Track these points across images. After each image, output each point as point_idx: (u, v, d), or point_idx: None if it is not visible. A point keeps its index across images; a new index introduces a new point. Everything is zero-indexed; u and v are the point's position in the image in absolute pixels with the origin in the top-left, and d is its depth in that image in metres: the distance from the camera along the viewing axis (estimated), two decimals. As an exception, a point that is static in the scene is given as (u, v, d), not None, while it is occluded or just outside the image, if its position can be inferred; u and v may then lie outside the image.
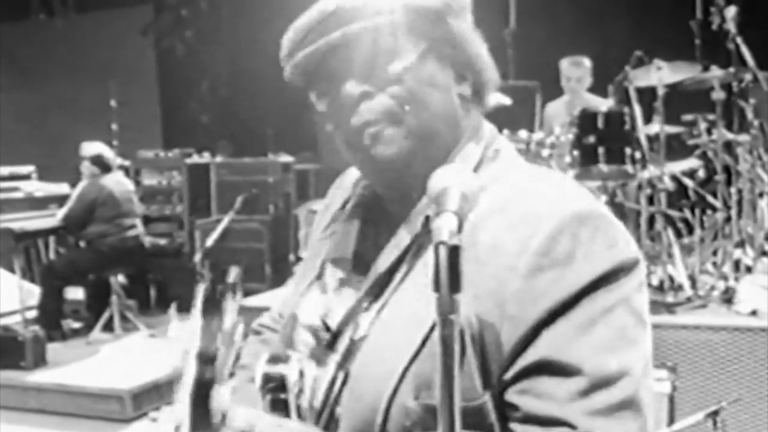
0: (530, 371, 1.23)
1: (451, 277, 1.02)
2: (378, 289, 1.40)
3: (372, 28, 1.35)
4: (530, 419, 1.22)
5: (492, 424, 1.25)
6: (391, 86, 1.37)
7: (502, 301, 1.24)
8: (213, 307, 1.18)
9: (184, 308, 9.01)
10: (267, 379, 1.47)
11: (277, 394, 1.45)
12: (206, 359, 1.14)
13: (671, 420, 3.83)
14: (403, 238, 1.40)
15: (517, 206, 1.30)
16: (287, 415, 1.44)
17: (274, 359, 1.49)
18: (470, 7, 1.46)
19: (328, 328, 1.44)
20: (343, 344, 1.40)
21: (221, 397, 1.29)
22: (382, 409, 1.28)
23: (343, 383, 1.37)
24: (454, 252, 1.03)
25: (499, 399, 1.25)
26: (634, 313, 1.26)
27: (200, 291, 1.19)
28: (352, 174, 1.66)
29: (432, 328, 1.25)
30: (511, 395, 1.24)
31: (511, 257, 1.25)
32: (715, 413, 3.57)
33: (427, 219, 1.34)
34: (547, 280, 1.23)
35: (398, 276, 1.38)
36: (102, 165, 8.52)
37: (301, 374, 1.45)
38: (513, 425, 1.24)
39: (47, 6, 13.61)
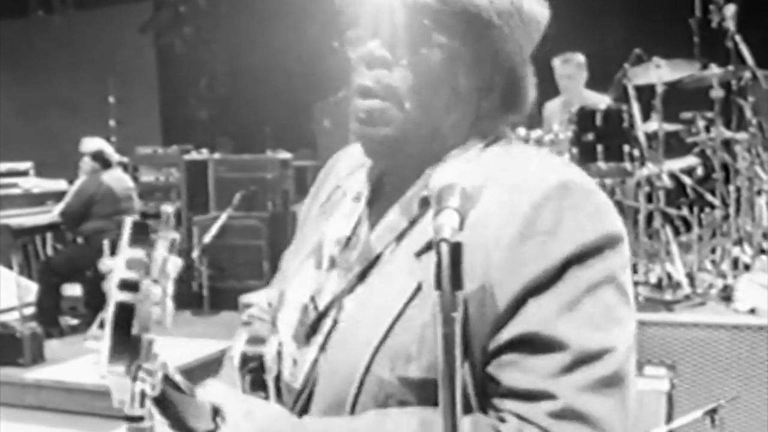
0: (513, 345, 1.22)
1: (453, 275, 1.01)
2: (365, 271, 1.39)
3: (423, 3, 1.32)
4: (512, 393, 1.21)
5: (468, 396, 1.24)
6: (409, 69, 1.35)
7: (487, 271, 1.23)
8: (140, 239, 1.16)
9: (180, 305, 9.02)
10: (245, 359, 1.47)
11: (257, 374, 1.45)
12: (126, 286, 1.12)
13: (669, 417, 3.85)
14: (397, 221, 1.39)
15: (502, 179, 1.29)
16: (266, 395, 1.44)
17: (254, 340, 1.49)
18: (535, 26, 1.42)
19: (316, 307, 1.43)
20: (326, 326, 1.38)
21: (212, 387, 1.29)
22: (357, 380, 1.27)
23: (324, 364, 1.36)
24: (456, 249, 1.03)
25: (480, 372, 1.25)
26: (621, 290, 1.26)
27: (128, 223, 1.17)
28: (352, 151, 1.62)
29: (408, 302, 1.26)
30: (493, 369, 1.24)
31: (497, 228, 1.25)
32: (713, 411, 3.58)
33: (424, 200, 1.33)
34: (531, 249, 1.22)
35: (384, 257, 1.37)
36: (102, 161, 8.52)
37: (280, 354, 1.44)
38: (494, 400, 1.24)
39: (46, 3, 13.60)
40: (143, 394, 1.14)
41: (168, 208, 1.23)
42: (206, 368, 7.07)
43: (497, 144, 1.42)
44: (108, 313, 1.12)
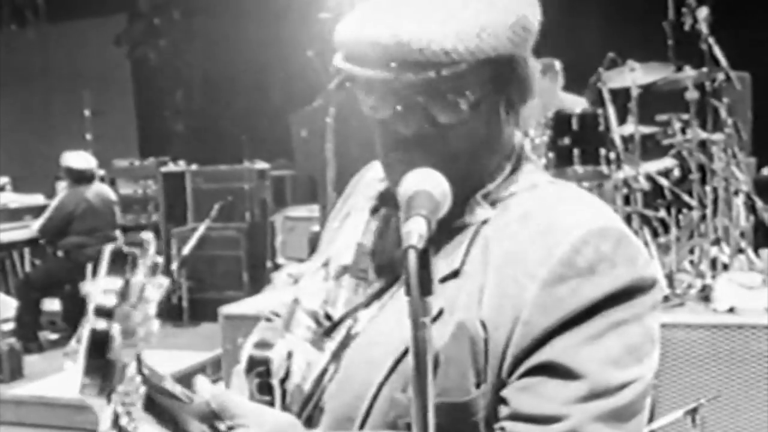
0: (532, 371, 1.23)
1: (421, 281, 1.03)
2: (382, 287, 1.41)
3: (432, 78, 1.29)
4: (523, 416, 1.22)
5: (477, 423, 1.25)
6: (449, 130, 1.34)
7: (519, 306, 1.24)
8: (117, 268, 1.19)
9: (160, 318, 8.97)
10: (252, 362, 1.48)
11: (263, 379, 1.46)
12: (102, 312, 1.15)
13: (651, 418, 3.85)
14: None
15: (542, 216, 1.32)
16: (272, 398, 1.44)
17: (262, 344, 1.50)
18: (534, 33, 1.40)
19: (328, 316, 1.44)
20: (340, 335, 1.40)
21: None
22: (369, 397, 1.29)
23: (335, 372, 1.38)
24: (424, 256, 1.04)
25: (493, 399, 1.26)
26: (646, 331, 1.27)
27: (107, 253, 1.19)
28: (377, 168, 1.60)
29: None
30: (508, 392, 1.25)
31: (533, 265, 1.26)
32: (694, 410, 3.59)
33: (454, 230, 1.35)
34: (566, 290, 1.24)
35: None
36: (80, 176, 8.47)
37: (289, 356, 1.45)
38: (504, 422, 1.24)
39: (19, 16, 13.54)
40: (116, 416, 1.19)
41: (147, 235, 1.25)
42: (187, 380, 7.04)
43: (524, 168, 1.43)
44: (83, 339, 1.16)
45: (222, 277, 9.39)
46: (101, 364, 1.16)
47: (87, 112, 10.88)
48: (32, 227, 8.65)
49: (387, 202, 1.51)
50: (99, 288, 1.17)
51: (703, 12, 5.96)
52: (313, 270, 1.57)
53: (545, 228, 1.29)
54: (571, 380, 1.21)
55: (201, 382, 1.30)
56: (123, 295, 1.18)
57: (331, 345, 1.40)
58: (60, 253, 8.54)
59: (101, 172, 10.18)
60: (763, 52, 8.07)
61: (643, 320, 1.26)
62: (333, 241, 1.58)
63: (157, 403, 1.21)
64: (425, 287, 1.03)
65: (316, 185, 9.34)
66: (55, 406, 6.33)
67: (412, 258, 1.04)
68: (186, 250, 9.08)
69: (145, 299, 1.23)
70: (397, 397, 1.27)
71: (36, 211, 9.01)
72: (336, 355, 1.39)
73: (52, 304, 8.72)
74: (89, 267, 8.13)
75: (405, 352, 1.26)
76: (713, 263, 5.63)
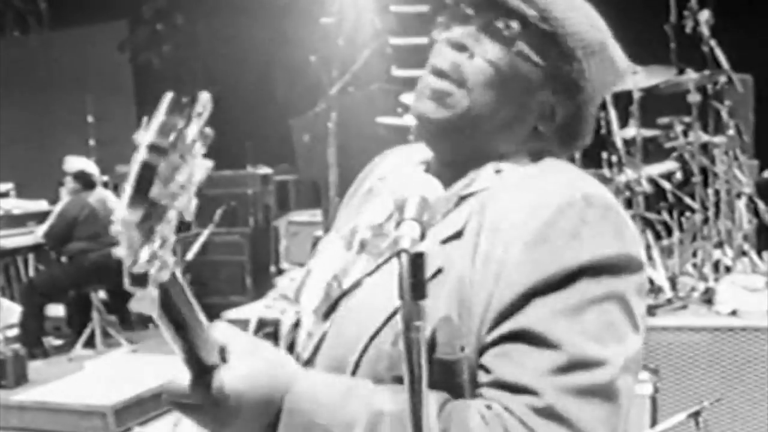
0: (510, 338, 1.23)
1: (414, 285, 1.04)
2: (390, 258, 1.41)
3: (521, 9, 1.36)
4: (499, 384, 1.22)
5: (462, 384, 1.26)
6: (489, 63, 1.38)
7: (502, 264, 1.25)
8: (177, 111, 1.15)
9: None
10: (261, 323, 1.51)
11: (269, 340, 1.47)
12: (156, 149, 1.09)
13: (654, 421, 3.85)
14: None
15: (532, 182, 1.34)
16: None
17: (272, 307, 1.53)
18: (613, 74, 1.47)
19: (340, 286, 1.45)
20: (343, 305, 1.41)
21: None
22: (360, 348, 1.30)
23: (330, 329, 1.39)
24: (417, 260, 1.05)
25: (475, 361, 1.26)
26: (628, 312, 1.27)
27: (167, 97, 1.15)
28: (404, 152, 1.66)
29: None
30: (487, 358, 1.25)
31: (519, 226, 1.27)
32: (697, 413, 3.60)
33: (461, 199, 1.37)
34: (547, 250, 1.24)
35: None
36: (84, 181, 8.47)
37: (297, 325, 1.47)
38: (482, 389, 1.24)
39: (22, 23, 13.57)
40: (151, 256, 1.10)
41: (205, 95, 1.22)
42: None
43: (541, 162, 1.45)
44: (131, 171, 1.08)
45: (225, 282, 9.39)
46: (145, 199, 1.08)
47: (90, 118, 10.89)
48: (36, 233, 8.65)
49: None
50: (155, 124, 1.12)
51: (704, 15, 5.97)
52: (334, 237, 1.58)
53: (535, 192, 1.31)
54: (548, 349, 1.21)
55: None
56: (177, 140, 1.12)
57: (334, 316, 1.41)
58: (64, 259, 8.54)
59: (105, 178, 10.21)
60: (765, 55, 8.06)
61: (626, 300, 1.26)
62: (359, 213, 1.58)
63: (174, 293, 1.18)
64: (418, 291, 1.04)
65: (319, 190, 9.36)
66: (59, 411, 6.34)
67: (405, 262, 1.05)
68: (189, 255, 9.08)
69: (194, 155, 1.17)
70: (385, 348, 1.28)
71: (40, 216, 9.01)
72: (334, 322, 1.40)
73: (56, 310, 8.72)
74: (92, 271, 8.16)
75: (397, 309, 1.28)
76: (716, 266, 5.63)
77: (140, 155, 1.08)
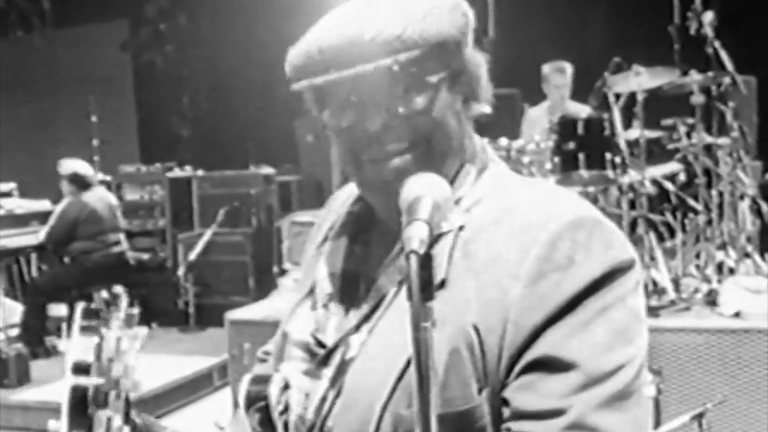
0: (528, 368, 1.24)
1: (422, 286, 1.04)
2: (370, 309, 1.41)
3: (389, 65, 1.32)
4: (525, 415, 1.23)
5: (484, 427, 1.26)
6: (414, 118, 1.37)
7: (506, 307, 1.25)
8: (89, 326, 1.25)
9: (167, 323, 9.01)
10: (251, 399, 1.50)
11: (263, 413, 1.48)
12: (79, 369, 1.22)
13: (657, 423, 3.85)
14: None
15: (513, 218, 1.33)
16: None
17: (258, 379, 1.52)
18: (472, 26, 1.44)
19: (320, 344, 1.45)
20: (334, 361, 1.41)
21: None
22: (375, 418, 1.29)
23: (336, 398, 1.37)
24: (426, 261, 1.05)
25: (496, 401, 1.27)
26: (631, 311, 1.28)
27: (78, 311, 1.26)
28: (346, 191, 1.66)
29: None
30: (508, 393, 1.26)
31: (512, 266, 1.27)
32: (700, 415, 3.59)
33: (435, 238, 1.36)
34: (548, 285, 1.25)
35: (389, 295, 1.39)
36: (79, 183, 8.48)
37: (286, 388, 1.46)
38: (509, 423, 1.25)
39: (25, 22, 13.57)
40: None
41: (118, 289, 1.31)
42: (193, 385, 7.05)
43: (491, 170, 1.46)
44: (64, 396, 1.23)
45: (228, 283, 9.40)
46: (84, 419, 1.22)
47: (93, 118, 10.90)
48: (39, 233, 8.66)
49: (363, 224, 1.54)
50: (74, 345, 1.23)
51: (708, 16, 5.97)
52: (298, 299, 1.58)
53: (520, 228, 1.30)
54: (566, 372, 1.22)
55: None
56: (98, 350, 1.23)
57: (327, 372, 1.41)
58: (66, 260, 8.56)
59: (108, 178, 10.22)
60: (768, 56, 8.07)
61: (626, 301, 1.28)
62: (314, 267, 1.58)
63: None
64: (427, 292, 1.04)
65: (322, 190, 9.37)
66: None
67: (414, 263, 1.05)
68: (192, 255, 9.09)
69: (122, 351, 1.26)
70: (402, 413, 1.27)
71: (42, 216, 9.02)
72: (334, 382, 1.39)
73: (58, 310, 8.72)
74: (95, 271, 8.17)
75: (405, 368, 1.27)
76: (719, 267, 5.63)
77: (68, 381, 1.23)
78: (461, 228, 1.36)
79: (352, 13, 1.37)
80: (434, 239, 1.33)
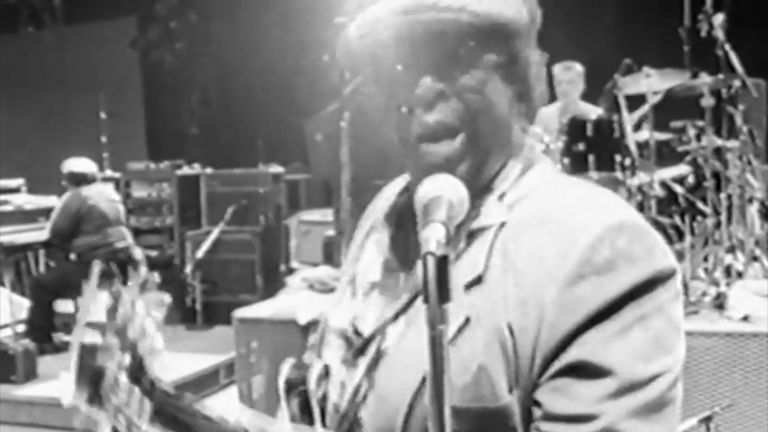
0: (563, 372, 1.23)
1: (439, 288, 1.03)
2: (408, 300, 1.40)
3: (459, 25, 1.31)
4: (557, 417, 1.23)
5: (515, 427, 1.26)
6: (467, 94, 1.35)
7: (542, 308, 1.24)
8: (106, 283, 1.26)
9: (174, 320, 9.02)
10: (290, 384, 1.51)
11: (303, 399, 1.49)
12: (92, 326, 1.22)
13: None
14: None
15: (555, 218, 1.31)
16: (312, 419, 1.47)
17: (297, 366, 1.53)
18: (537, 28, 1.44)
19: (358, 333, 1.45)
20: (371, 351, 1.40)
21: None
22: (405, 409, 1.29)
23: (369, 388, 1.38)
24: (443, 262, 1.04)
25: (527, 401, 1.26)
26: (670, 321, 1.27)
27: (95, 268, 1.27)
28: (397, 184, 1.64)
29: (456, 334, 1.27)
30: (541, 394, 1.25)
31: (551, 267, 1.26)
32: (708, 419, 3.58)
33: (471, 233, 1.35)
34: (586, 288, 1.24)
35: None
36: (76, 180, 8.48)
37: (325, 376, 1.47)
38: (538, 423, 1.25)
39: (36, 19, 13.61)
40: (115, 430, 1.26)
41: (138, 254, 1.31)
42: (200, 383, 7.05)
43: (535, 169, 1.43)
44: (73, 352, 1.22)
45: (236, 281, 9.41)
46: (90, 375, 1.22)
47: (102, 115, 10.92)
48: (46, 229, 8.68)
49: (407, 215, 1.51)
50: (87, 304, 1.23)
51: (719, 18, 5.95)
52: (340, 288, 1.58)
53: (561, 229, 1.29)
54: (601, 378, 1.21)
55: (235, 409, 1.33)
56: (113, 311, 1.23)
57: (363, 362, 1.41)
58: (73, 256, 8.57)
59: (116, 175, 10.23)
60: (779, 59, 8.05)
61: (665, 311, 1.26)
62: (358, 258, 1.58)
63: (170, 418, 1.23)
64: (443, 294, 1.03)
65: (330, 189, 9.36)
66: (68, 407, 6.35)
67: (431, 265, 1.03)
68: (200, 253, 9.11)
69: (137, 314, 1.27)
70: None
71: (50, 213, 9.04)
72: (368, 372, 1.39)
73: (65, 306, 8.73)
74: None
75: None
76: (728, 271, 5.61)
77: (78, 337, 1.22)
78: (503, 225, 1.34)
79: None
80: (473, 233, 1.34)
